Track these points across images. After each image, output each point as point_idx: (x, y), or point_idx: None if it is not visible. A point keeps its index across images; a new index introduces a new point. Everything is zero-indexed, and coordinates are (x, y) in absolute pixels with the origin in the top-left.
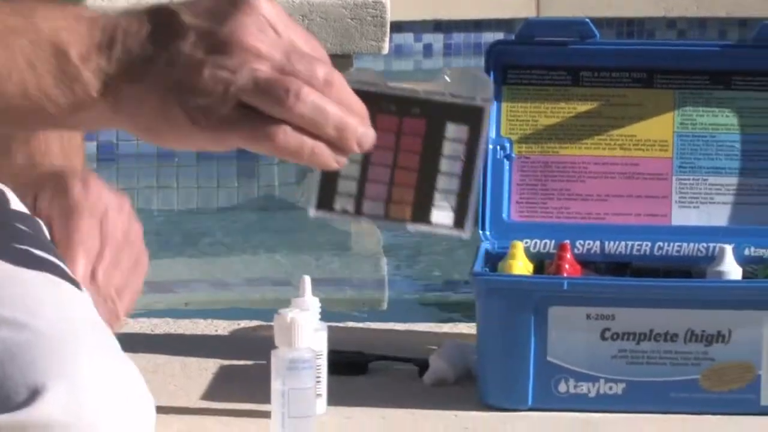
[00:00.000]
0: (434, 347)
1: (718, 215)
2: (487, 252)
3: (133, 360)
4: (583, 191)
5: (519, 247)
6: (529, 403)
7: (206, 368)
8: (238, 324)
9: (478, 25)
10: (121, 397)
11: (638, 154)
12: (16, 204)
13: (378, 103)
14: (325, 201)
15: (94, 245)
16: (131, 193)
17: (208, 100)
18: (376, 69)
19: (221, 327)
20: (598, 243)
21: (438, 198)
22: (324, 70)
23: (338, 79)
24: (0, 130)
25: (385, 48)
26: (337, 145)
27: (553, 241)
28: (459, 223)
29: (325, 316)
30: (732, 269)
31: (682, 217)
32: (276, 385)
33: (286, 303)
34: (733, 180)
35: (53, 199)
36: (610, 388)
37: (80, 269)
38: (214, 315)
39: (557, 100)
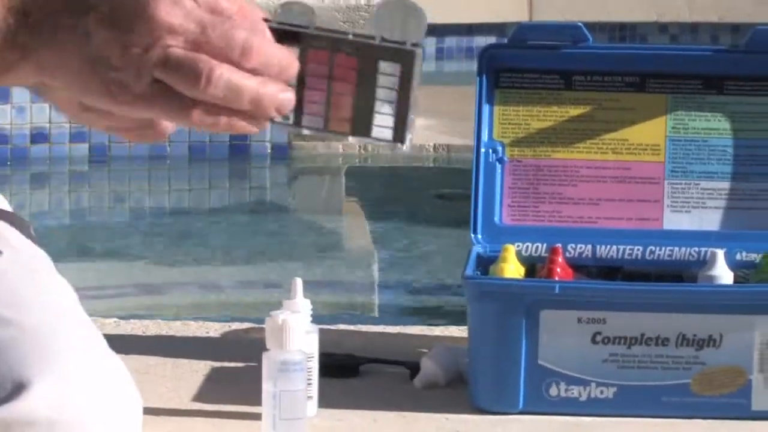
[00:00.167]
0: (425, 350)
1: (710, 220)
2: (478, 255)
3: (124, 361)
4: (575, 195)
5: (511, 250)
6: (520, 406)
7: (197, 370)
8: (230, 326)
9: (471, 29)
10: (107, 393)
11: (630, 158)
12: (2, 203)
13: (308, 41)
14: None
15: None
16: (123, 195)
17: (123, 76)
18: None
19: (212, 329)
20: (589, 247)
21: (377, 117)
22: (242, 35)
23: (258, 42)
24: None
25: None
26: (254, 115)
27: (544, 245)
28: (398, 137)
29: (316, 318)
30: (723, 274)
31: (674, 221)
32: (267, 387)
33: (278, 305)
34: (725, 185)
35: None
36: (601, 392)
37: None
38: (206, 317)
39: (550, 103)
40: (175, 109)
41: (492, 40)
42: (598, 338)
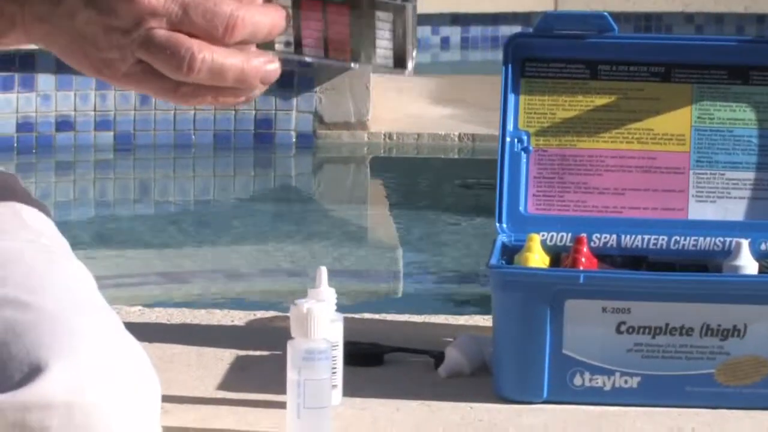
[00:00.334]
0: (450, 339)
1: (735, 210)
2: (503, 245)
3: (148, 350)
4: (600, 185)
5: (536, 239)
6: (544, 395)
7: (222, 358)
8: (254, 314)
9: (496, 19)
10: (125, 376)
11: (655, 147)
12: (21, 187)
13: None
14: (267, 43)
15: None
16: (148, 183)
17: (108, 55)
18: None
19: (237, 317)
20: (614, 236)
21: (377, 44)
22: (226, 10)
23: (243, 14)
24: None
25: None
26: (240, 89)
27: (569, 234)
28: (400, 63)
29: (341, 307)
30: (748, 264)
31: (698, 211)
32: (292, 376)
33: (303, 294)
34: (750, 175)
35: None
36: (626, 382)
37: None
38: (231, 305)
39: (575, 93)
40: (161, 88)
41: (517, 29)
42: (623, 328)
